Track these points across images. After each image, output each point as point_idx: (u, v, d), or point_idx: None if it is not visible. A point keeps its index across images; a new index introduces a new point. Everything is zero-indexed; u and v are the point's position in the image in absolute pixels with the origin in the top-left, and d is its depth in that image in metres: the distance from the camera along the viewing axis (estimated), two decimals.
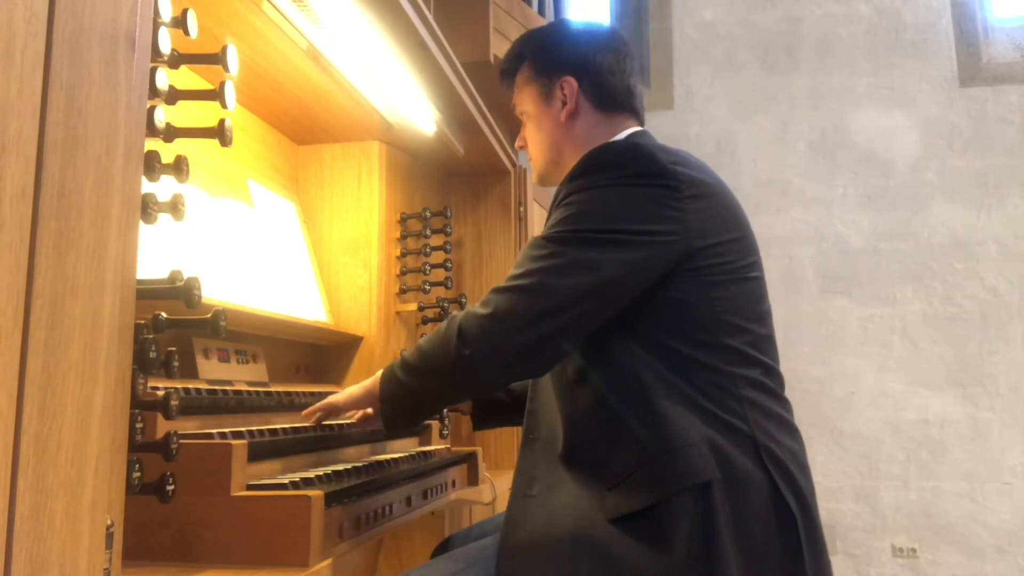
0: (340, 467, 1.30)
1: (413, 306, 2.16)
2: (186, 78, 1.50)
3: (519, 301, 1.16)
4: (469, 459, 1.88)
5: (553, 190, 1.35)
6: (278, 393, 1.55)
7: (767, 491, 1.16)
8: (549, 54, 1.44)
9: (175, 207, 0.90)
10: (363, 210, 2.06)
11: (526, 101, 1.46)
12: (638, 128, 1.42)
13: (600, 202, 1.21)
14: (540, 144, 1.45)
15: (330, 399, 1.45)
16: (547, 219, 1.30)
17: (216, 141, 1.05)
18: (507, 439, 2.51)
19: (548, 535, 1.19)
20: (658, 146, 1.28)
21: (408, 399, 1.29)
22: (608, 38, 1.45)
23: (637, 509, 1.14)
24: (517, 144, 1.53)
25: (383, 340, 2.03)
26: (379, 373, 1.34)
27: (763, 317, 1.29)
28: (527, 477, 1.28)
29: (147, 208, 0.83)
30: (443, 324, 1.23)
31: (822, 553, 1.20)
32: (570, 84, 1.40)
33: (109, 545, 0.70)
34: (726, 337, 1.21)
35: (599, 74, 1.41)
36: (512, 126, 3.08)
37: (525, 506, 1.25)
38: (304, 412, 1.46)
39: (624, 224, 1.18)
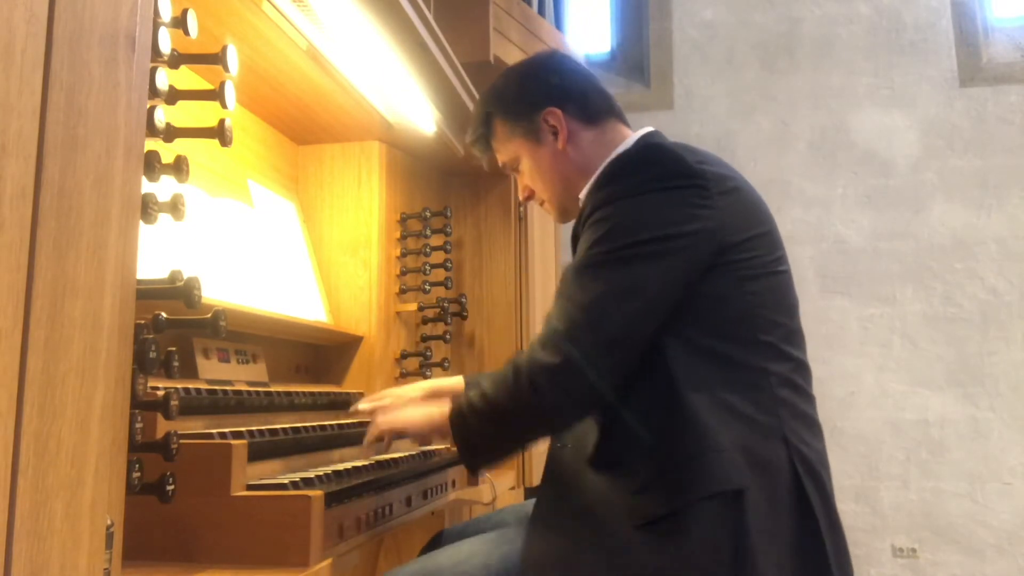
0: (340, 467, 1.30)
1: (413, 306, 2.16)
2: (186, 78, 1.50)
3: (582, 341, 1.16)
4: None
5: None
6: (278, 393, 1.55)
7: (795, 495, 1.16)
8: (519, 100, 1.43)
9: (175, 207, 0.90)
10: (363, 210, 2.06)
11: (515, 151, 1.45)
12: (648, 129, 1.41)
13: (632, 212, 1.21)
14: (548, 182, 1.43)
15: (392, 423, 1.41)
16: (573, 236, 1.31)
17: (216, 141, 1.05)
18: None
19: (571, 544, 1.18)
20: (682, 146, 1.29)
21: (488, 444, 1.29)
22: (556, 59, 1.48)
23: (663, 513, 1.12)
24: (522, 197, 1.51)
25: (383, 340, 2.03)
26: (445, 409, 1.33)
27: (792, 310, 1.30)
28: (554, 485, 1.28)
29: (147, 208, 0.83)
30: (507, 373, 1.22)
31: (845, 553, 1.21)
32: (554, 114, 1.39)
33: (109, 545, 0.70)
34: (761, 333, 1.22)
35: (573, 94, 1.41)
36: None
37: (549, 513, 1.25)
38: (366, 443, 1.44)
39: (659, 231, 1.18)
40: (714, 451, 1.13)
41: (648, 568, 1.11)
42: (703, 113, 4.57)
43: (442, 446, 1.71)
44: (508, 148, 1.46)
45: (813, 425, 1.26)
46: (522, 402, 1.20)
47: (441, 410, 1.37)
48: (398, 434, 1.43)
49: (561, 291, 1.24)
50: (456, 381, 1.68)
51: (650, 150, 1.30)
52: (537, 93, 1.42)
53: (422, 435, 1.41)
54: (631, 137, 1.39)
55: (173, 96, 0.94)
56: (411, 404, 1.59)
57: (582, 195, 1.38)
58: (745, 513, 1.11)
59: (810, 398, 1.28)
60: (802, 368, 1.27)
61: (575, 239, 1.31)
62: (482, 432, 1.28)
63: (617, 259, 1.18)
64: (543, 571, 1.18)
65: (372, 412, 1.49)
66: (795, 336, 1.28)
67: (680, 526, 1.11)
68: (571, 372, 1.16)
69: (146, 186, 0.81)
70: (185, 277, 0.95)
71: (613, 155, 1.35)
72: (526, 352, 1.24)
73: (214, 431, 1.18)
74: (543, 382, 1.17)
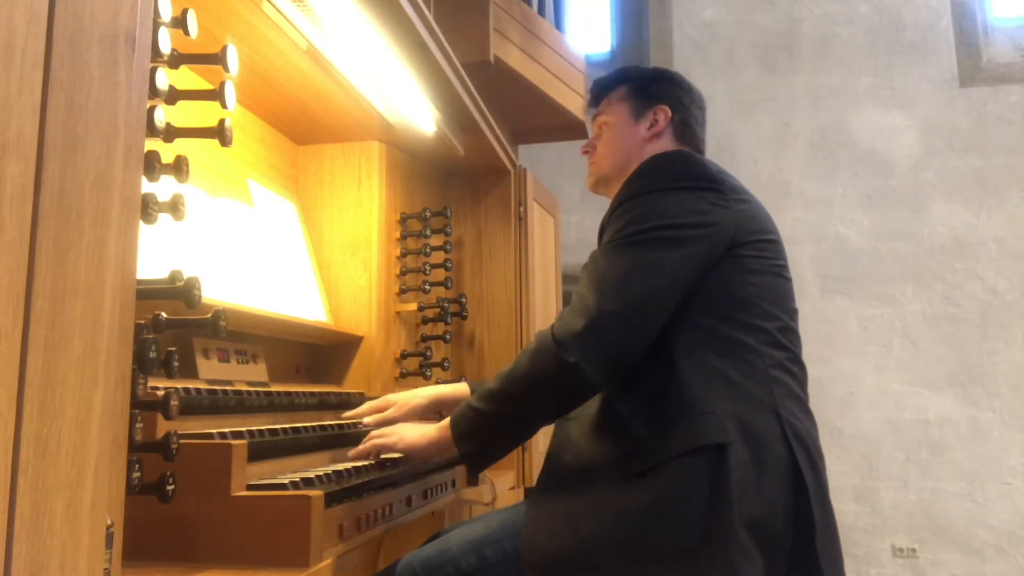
0: (340, 467, 1.30)
1: (413, 306, 2.16)
2: (186, 78, 1.50)
3: (607, 306, 1.25)
4: None
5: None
6: (278, 393, 1.54)
7: (787, 463, 1.23)
8: (654, 85, 1.59)
9: (175, 207, 0.90)
10: (363, 210, 2.06)
11: (614, 114, 1.58)
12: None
13: (656, 203, 1.32)
14: (614, 152, 1.56)
15: (385, 441, 1.45)
16: (601, 229, 1.41)
17: (216, 141, 1.05)
18: None
19: (566, 503, 1.27)
20: (706, 159, 1.44)
21: (497, 429, 1.35)
22: (700, 97, 1.63)
23: (649, 467, 1.21)
24: (583, 150, 1.64)
25: (383, 340, 2.03)
26: (443, 423, 1.39)
27: (792, 314, 1.40)
28: (556, 455, 1.37)
29: (147, 208, 0.83)
30: (530, 346, 1.31)
31: (834, 538, 1.27)
32: (665, 112, 1.55)
33: (109, 545, 0.70)
34: (759, 319, 1.31)
35: (689, 116, 1.58)
36: (512, 126, 3.08)
37: (549, 480, 1.34)
38: (352, 454, 1.46)
39: (680, 219, 1.30)
40: (701, 413, 1.22)
41: (628, 511, 1.20)
42: None
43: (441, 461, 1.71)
44: (611, 108, 1.60)
45: (806, 409, 1.34)
46: (548, 364, 1.26)
47: (438, 426, 1.42)
48: (396, 451, 1.46)
49: (589, 267, 1.33)
50: (460, 387, 1.69)
51: (676, 155, 1.44)
52: (667, 92, 1.58)
53: (420, 454, 1.45)
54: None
55: (173, 96, 0.94)
56: (411, 416, 1.61)
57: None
58: (726, 465, 1.18)
59: (804, 387, 1.36)
60: (797, 361, 1.36)
61: (602, 231, 1.41)
62: (498, 415, 1.33)
63: (642, 241, 1.29)
64: (540, 526, 1.27)
65: (372, 424, 1.55)
66: (792, 333, 1.37)
67: (664, 477, 1.20)
68: (597, 335, 1.25)
69: (146, 186, 0.80)
70: (185, 277, 0.94)
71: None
72: (554, 322, 1.31)
73: (214, 431, 1.18)
74: (571, 343, 1.25)
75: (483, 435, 1.34)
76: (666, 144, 1.54)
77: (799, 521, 1.22)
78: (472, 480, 1.88)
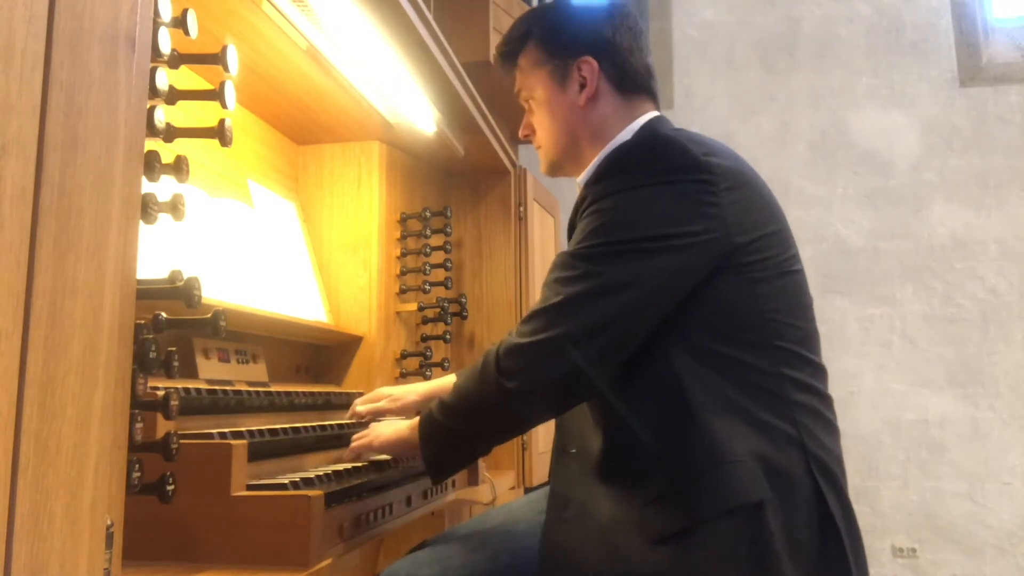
0: (340, 467, 1.30)
1: (413, 306, 2.16)
2: (186, 78, 1.50)
3: (556, 326, 1.10)
4: None
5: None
6: (278, 393, 1.54)
7: (814, 501, 1.12)
8: (563, 33, 1.33)
9: (175, 207, 0.90)
10: (363, 210, 2.06)
11: (535, 86, 1.35)
12: (655, 113, 1.34)
13: (631, 206, 1.13)
14: (554, 132, 1.34)
15: (363, 441, 1.40)
16: (570, 226, 1.26)
17: (216, 141, 1.05)
18: None
19: (586, 565, 1.13)
20: (688, 135, 1.22)
21: (453, 442, 1.23)
22: (622, 14, 1.34)
23: (679, 529, 1.07)
24: (522, 133, 1.41)
25: (383, 340, 2.03)
26: (414, 422, 1.29)
27: (807, 311, 1.23)
28: (561, 498, 1.21)
29: (147, 208, 0.82)
30: (480, 360, 1.18)
31: (863, 558, 1.17)
32: (590, 65, 1.30)
33: (109, 545, 0.70)
34: (776, 338, 1.15)
35: (619, 53, 1.31)
36: (513, 126, 3.08)
37: (560, 532, 1.18)
38: (347, 457, 1.43)
39: (660, 228, 1.11)
40: (729, 462, 1.08)
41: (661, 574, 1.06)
42: (703, 113, 4.56)
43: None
44: (530, 78, 1.36)
45: (831, 427, 1.22)
46: (489, 386, 1.13)
47: (410, 425, 1.33)
48: (375, 451, 1.41)
49: (547, 279, 1.17)
50: (449, 380, 1.67)
51: (655, 141, 1.22)
52: (583, 36, 1.31)
53: (395, 451, 1.37)
54: (633, 124, 1.31)
55: (173, 96, 0.94)
56: (404, 411, 1.60)
57: (580, 180, 1.32)
58: (766, 525, 1.06)
59: (827, 400, 1.23)
60: (819, 372, 1.22)
61: (571, 228, 1.25)
62: (451, 428, 1.21)
63: (610, 253, 1.12)
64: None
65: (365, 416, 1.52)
66: (811, 339, 1.22)
67: (699, 541, 1.06)
68: (539, 355, 1.10)
69: (146, 186, 0.80)
70: (185, 277, 0.94)
71: (615, 144, 1.28)
72: (503, 339, 1.18)
73: (214, 431, 1.18)
74: (511, 363, 1.12)
75: (439, 445, 1.23)
76: (610, 102, 1.30)
77: (834, 563, 1.12)
78: (473, 480, 1.88)
